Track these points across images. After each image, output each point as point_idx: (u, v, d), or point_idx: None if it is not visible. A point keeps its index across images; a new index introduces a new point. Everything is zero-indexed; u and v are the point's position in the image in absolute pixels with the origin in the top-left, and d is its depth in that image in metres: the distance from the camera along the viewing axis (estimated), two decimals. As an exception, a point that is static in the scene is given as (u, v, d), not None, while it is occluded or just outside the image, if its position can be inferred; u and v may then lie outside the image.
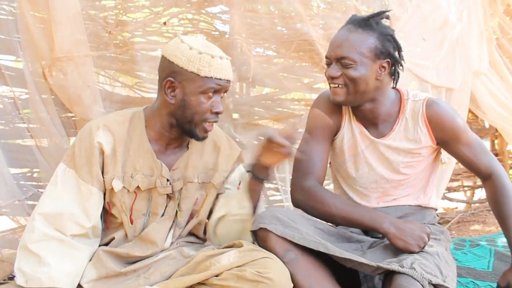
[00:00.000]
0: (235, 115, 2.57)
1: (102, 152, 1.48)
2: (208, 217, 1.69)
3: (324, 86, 2.66)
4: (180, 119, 1.50)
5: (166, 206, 1.57)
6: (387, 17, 1.67)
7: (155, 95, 2.32)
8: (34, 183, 2.11)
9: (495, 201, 1.73)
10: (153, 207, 1.55)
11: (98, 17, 2.15)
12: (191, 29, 2.49)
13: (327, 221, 1.68)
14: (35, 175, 2.15)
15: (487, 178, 1.75)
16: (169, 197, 1.57)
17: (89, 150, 1.47)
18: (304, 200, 1.68)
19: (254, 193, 1.60)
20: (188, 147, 1.61)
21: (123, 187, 1.50)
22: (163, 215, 1.57)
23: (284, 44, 2.55)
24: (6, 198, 1.90)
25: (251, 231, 1.55)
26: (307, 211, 1.67)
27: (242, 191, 1.61)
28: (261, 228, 1.50)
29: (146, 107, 1.60)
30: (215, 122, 1.53)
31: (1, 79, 1.98)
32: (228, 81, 1.49)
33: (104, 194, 1.52)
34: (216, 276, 1.38)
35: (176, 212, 1.58)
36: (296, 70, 2.70)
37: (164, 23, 2.35)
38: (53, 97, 2.00)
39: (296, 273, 1.43)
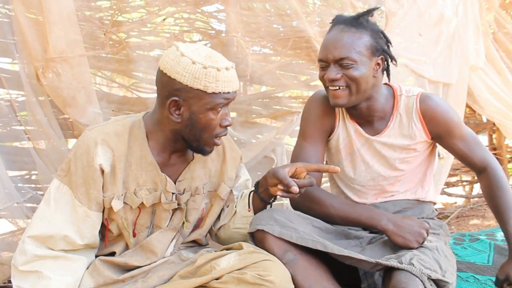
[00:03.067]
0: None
1: (102, 172, 1.38)
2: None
3: (321, 83, 2.66)
4: (187, 136, 1.41)
5: (171, 218, 1.53)
6: (372, 15, 1.67)
7: (151, 95, 2.34)
8: (32, 185, 2.11)
9: (490, 194, 1.74)
10: (156, 221, 1.50)
11: (93, 17, 2.15)
12: (187, 28, 2.49)
13: (326, 222, 1.67)
14: (33, 177, 2.15)
15: (482, 172, 1.76)
16: (174, 208, 1.52)
17: (86, 170, 1.37)
18: (302, 201, 1.67)
19: (258, 209, 1.60)
20: (193, 156, 1.54)
21: (125, 203, 1.43)
22: (167, 226, 1.53)
23: (281, 41, 2.54)
24: (5, 201, 1.89)
25: (248, 233, 1.54)
26: (305, 212, 1.67)
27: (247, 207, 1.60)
28: (258, 230, 1.49)
29: (145, 115, 1.50)
30: (225, 135, 1.47)
31: (-3, 82, 1.98)
32: (235, 91, 1.40)
33: (103, 211, 1.45)
34: (217, 279, 1.36)
35: (183, 223, 1.55)
36: (293, 67, 2.70)
37: (164, 20, 2.35)
38: (49, 99, 2.00)
39: (295, 273, 1.43)
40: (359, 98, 1.62)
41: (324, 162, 1.85)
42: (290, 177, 1.46)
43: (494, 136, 4.23)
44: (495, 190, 1.72)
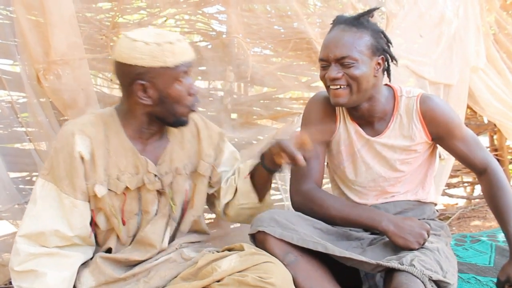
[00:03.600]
0: (234, 115, 2.57)
1: (82, 160, 1.42)
2: (214, 205, 1.72)
3: (322, 84, 2.65)
4: (161, 114, 1.47)
5: (158, 203, 1.54)
6: (373, 15, 1.67)
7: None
8: (33, 187, 2.10)
9: (491, 196, 1.74)
10: (144, 206, 1.51)
11: (94, 19, 2.15)
12: (188, 29, 2.49)
13: (327, 223, 1.68)
14: (34, 178, 2.14)
15: (483, 173, 1.76)
16: (159, 193, 1.54)
17: (68, 161, 1.41)
18: (303, 203, 1.68)
19: (262, 180, 1.61)
20: (169, 139, 1.58)
21: (110, 190, 1.45)
22: (156, 213, 1.54)
23: (281, 43, 2.55)
24: (6, 203, 1.89)
25: (249, 234, 1.55)
26: (307, 214, 1.67)
27: (247, 181, 1.62)
28: (259, 231, 1.49)
29: (116, 106, 1.54)
30: (197, 103, 1.52)
31: (-1, 84, 1.98)
32: (193, 59, 1.47)
33: (89, 202, 1.47)
34: (218, 281, 1.37)
35: (171, 207, 1.56)
36: (293, 68, 2.70)
37: (165, 21, 2.35)
38: (50, 100, 2.00)
39: (296, 275, 1.44)
40: (360, 97, 1.63)
41: (325, 164, 1.85)
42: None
43: (495, 137, 4.22)
44: (495, 191, 1.72)
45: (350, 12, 2.46)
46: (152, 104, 1.44)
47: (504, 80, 3.51)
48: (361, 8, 2.56)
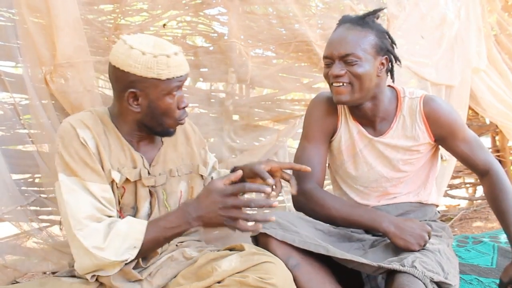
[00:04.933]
0: (235, 117, 2.58)
1: (88, 149, 1.41)
2: None
3: (323, 85, 2.66)
4: (149, 124, 1.48)
5: (150, 205, 1.53)
6: (378, 16, 1.68)
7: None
8: (36, 188, 2.10)
9: (493, 197, 1.73)
10: (138, 201, 1.51)
11: (96, 21, 2.15)
12: (190, 31, 2.49)
13: (328, 223, 1.68)
14: (36, 180, 2.15)
15: (485, 175, 1.76)
16: (151, 194, 1.53)
17: (81, 152, 1.40)
18: (305, 203, 1.68)
19: None
20: (162, 141, 1.60)
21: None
22: (149, 216, 1.52)
23: (283, 45, 2.55)
24: (9, 204, 1.90)
25: (251, 236, 1.55)
26: (308, 213, 1.68)
27: None
28: (261, 233, 1.50)
29: (109, 107, 1.55)
30: (186, 116, 1.52)
31: (1, 85, 1.98)
32: (187, 73, 1.47)
33: None
34: (218, 282, 1.36)
35: (167, 208, 1.56)
36: (295, 70, 2.70)
37: (164, 25, 2.35)
38: (53, 102, 2.01)
39: (298, 278, 1.44)
40: (362, 96, 1.63)
41: (327, 164, 1.85)
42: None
43: (497, 138, 4.22)
44: (498, 193, 1.72)
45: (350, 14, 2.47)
46: (141, 112, 1.45)
47: (506, 81, 3.51)
48: (361, 10, 2.56)
